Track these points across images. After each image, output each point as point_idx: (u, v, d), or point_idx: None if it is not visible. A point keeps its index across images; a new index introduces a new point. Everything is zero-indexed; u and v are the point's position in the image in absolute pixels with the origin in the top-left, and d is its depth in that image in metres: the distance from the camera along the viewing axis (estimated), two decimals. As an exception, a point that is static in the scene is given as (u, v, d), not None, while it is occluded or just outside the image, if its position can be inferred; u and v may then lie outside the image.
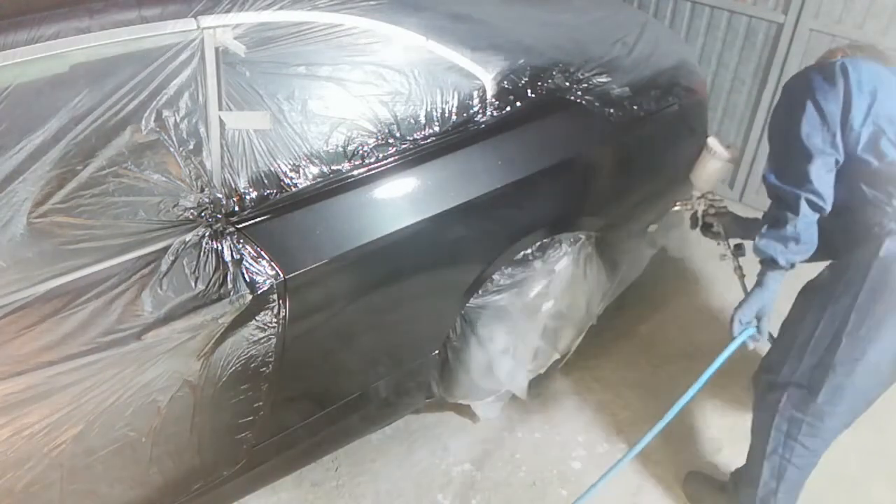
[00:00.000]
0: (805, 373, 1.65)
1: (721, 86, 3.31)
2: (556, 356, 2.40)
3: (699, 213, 1.95)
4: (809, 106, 1.56)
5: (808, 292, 1.70)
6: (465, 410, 2.31)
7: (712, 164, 1.86)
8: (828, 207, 1.57)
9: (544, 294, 2.14)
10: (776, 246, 1.62)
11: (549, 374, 2.43)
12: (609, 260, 2.27)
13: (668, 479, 2.17)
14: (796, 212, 1.57)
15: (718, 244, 1.93)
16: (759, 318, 1.74)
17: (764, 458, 1.76)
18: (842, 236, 1.61)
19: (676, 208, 1.98)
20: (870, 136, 1.53)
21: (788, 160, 1.60)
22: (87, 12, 1.24)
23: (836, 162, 1.56)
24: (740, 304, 1.73)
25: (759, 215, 1.78)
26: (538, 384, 2.40)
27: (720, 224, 1.93)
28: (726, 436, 2.30)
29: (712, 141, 1.86)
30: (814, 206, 1.56)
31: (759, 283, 1.72)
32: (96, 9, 1.25)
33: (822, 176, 1.55)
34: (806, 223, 1.58)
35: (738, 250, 1.93)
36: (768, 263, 1.68)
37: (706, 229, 1.97)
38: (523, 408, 2.37)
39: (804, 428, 1.69)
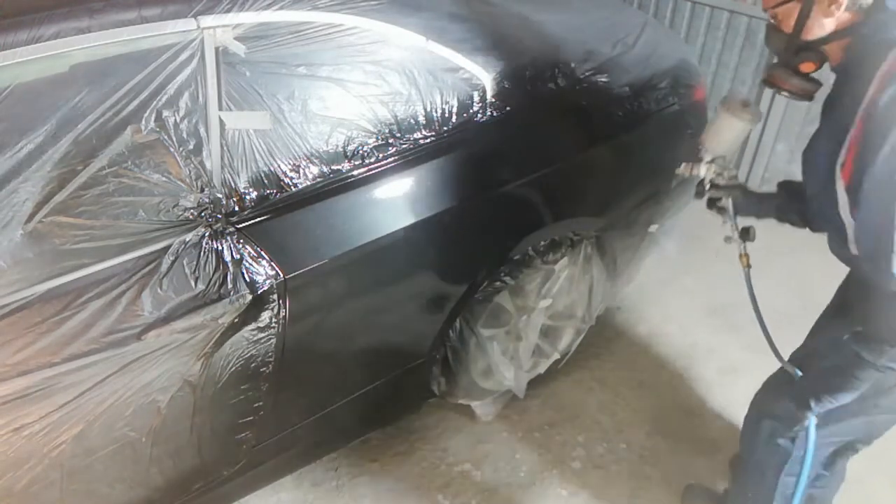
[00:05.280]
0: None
1: (721, 86, 3.31)
2: (556, 356, 2.40)
3: (706, 181, 1.65)
4: None
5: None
6: (465, 410, 2.31)
7: (732, 124, 1.56)
8: None
9: (544, 294, 2.14)
10: None
11: (549, 374, 2.43)
12: (609, 260, 2.27)
13: (667, 479, 2.17)
14: None
15: (724, 223, 1.67)
16: None
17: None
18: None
19: (680, 170, 1.67)
20: None
21: None
22: (87, 12, 1.24)
23: None
24: None
25: (774, 190, 1.62)
26: (538, 384, 2.40)
27: (728, 198, 1.65)
28: (726, 436, 2.30)
29: (732, 98, 1.59)
30: None
31: None
32: (96, 9, 1.25)
33: None
34: None
35: (746, 234, 1.64)
36: None
37: (712, 203, 1.69)
38: (523, 408, 2.37)
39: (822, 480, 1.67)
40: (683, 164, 1.68)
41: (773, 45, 1.43)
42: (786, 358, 1.62)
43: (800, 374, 1.55)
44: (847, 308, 1.55)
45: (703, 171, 1.64)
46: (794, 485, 1.60)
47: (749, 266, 1.66)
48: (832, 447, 1.64)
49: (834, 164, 1.27)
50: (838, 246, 1.39)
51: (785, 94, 1.43)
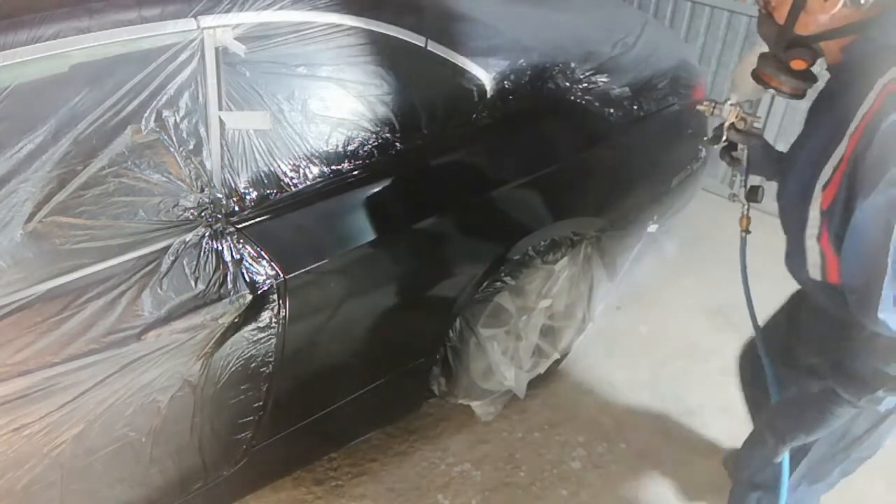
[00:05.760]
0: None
1: (721, 85, 3.31)
2: (556, 356, 2.41)
3: (725, 125, 1.49)
4: None
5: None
6: (465, 410, 2.31)
7: None
8: None
9: (544, 294, 2.14)
10: None
11: (549, 374, 2.43)
12: (609, 260, 2.27)
13: (667, 479, 2.17)
14: None
15: (734, 176, 1.57)
16: None
17: None
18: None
19: (702, 107, 1.54)
20: None
21: None
22: (87, 12, 1.24)
23: None
24: None
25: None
26: (538, 384, 2.40)
27: (744, 148, 1.52)
28: (725, 436, 2.30)
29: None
30: None
31: None
32: (96, 9, 1.25)
33: None
34: None
35: (754, 194, 1.53)
36: None
37: (726, 151, 1.53)
38: (523, 408, 2.37)
39: None
40: (706, 102, 1.53)
41: (764, 35, 1.28)
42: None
43: (777, 398, 1.48)
44: (809, 333, 1.48)
45: (726, 112, 1.47)
46: None
47: (748, 231, 1.55)
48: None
49: (813, 178, 1.17)
50: (797, 267, 1.29)
51: (772, 91, 1.29)
